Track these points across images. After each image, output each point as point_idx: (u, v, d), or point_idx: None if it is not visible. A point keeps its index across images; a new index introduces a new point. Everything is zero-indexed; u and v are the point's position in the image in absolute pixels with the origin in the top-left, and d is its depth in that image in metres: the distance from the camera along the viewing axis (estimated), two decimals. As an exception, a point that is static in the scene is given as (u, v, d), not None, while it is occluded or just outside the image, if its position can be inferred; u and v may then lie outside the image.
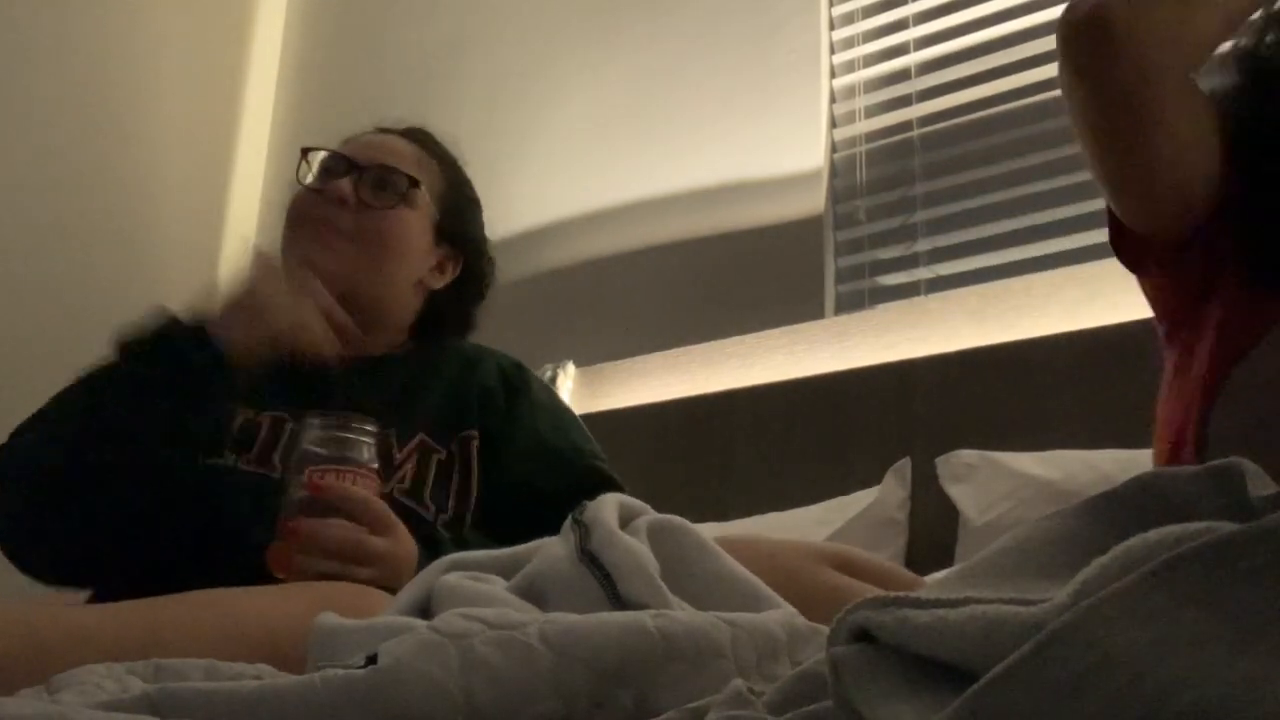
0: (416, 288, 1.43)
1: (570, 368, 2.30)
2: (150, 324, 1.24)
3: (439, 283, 1.45)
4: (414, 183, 1.40)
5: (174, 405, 1.19)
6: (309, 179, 1.41)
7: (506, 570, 0.73)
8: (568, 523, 0.71)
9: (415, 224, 1.40)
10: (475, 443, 1.32)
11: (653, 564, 0.66)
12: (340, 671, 0.49)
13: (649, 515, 0.71)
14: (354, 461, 1.14)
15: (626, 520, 0.70)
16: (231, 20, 3.14)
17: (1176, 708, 0.29)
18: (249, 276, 1.25)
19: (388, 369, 1.38)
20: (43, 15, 2.65)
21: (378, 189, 1.38)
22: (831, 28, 2.38)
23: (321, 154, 1.43)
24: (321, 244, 1.34)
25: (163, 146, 2.88)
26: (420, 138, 1.49)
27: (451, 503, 1.29)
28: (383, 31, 3.08)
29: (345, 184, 1.36)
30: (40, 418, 1.23)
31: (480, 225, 1.52)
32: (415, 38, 3.00)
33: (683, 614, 0.59)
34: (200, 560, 1.15)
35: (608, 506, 0.70)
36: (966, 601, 0.34)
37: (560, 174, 2.62)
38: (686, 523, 0.72)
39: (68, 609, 0.89)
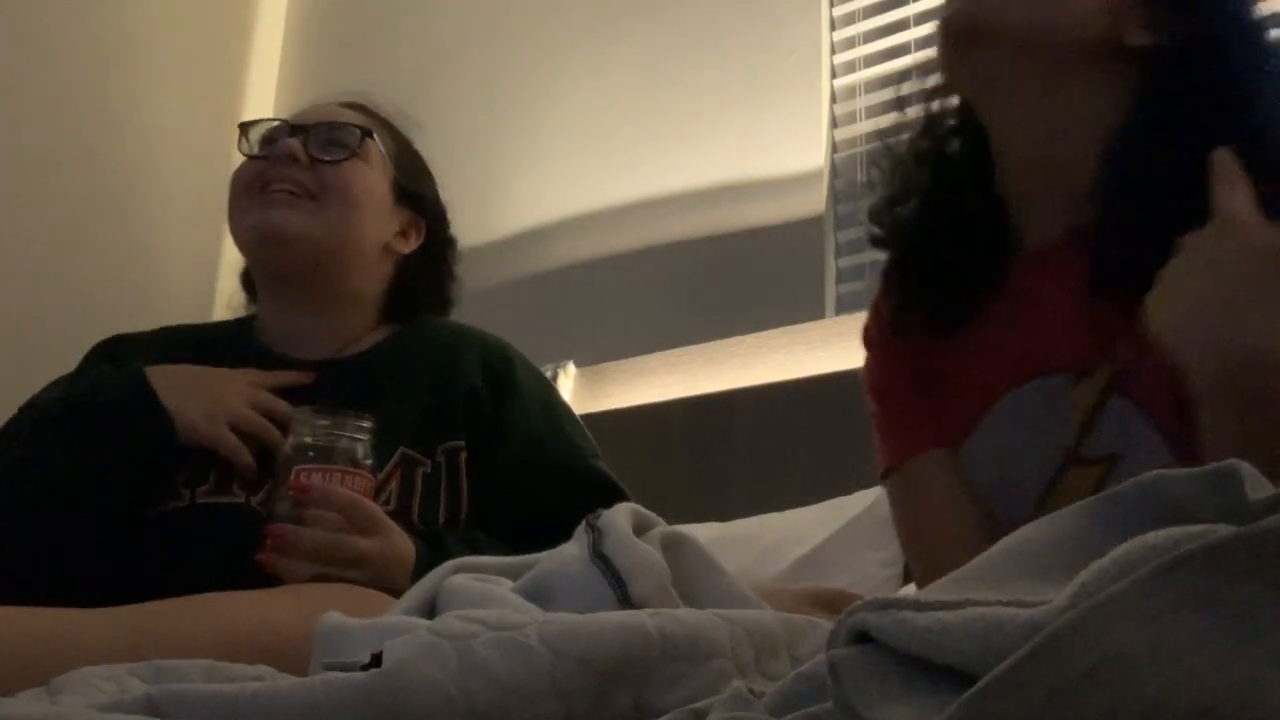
0: (384, 254, 1.36)
1: (570, 368, 2.30)
2: (96, 392, 1.19)
3: (405, 248, 1.38)
4: (366, 133, 1.33)
5: (119, 480, 1.15)
6: (252, 150, 1.35)
7: (514, 574, 0.73)
8: (581, 526, 0.71)
9: (372, 177, 1.33)
10: (463, 454, 1.25)
11: (664, 570, 0.66)
12: (340, 674, 0.49)
13: (662, 527, 0.71)
14: (343, 460, 1.11)
15: (640, 530, 0.71)
16: (232, 19, 3.14)
17: (1176, 709, 0.29)
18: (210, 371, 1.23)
19: (360, 370, 1.31)
20: (42, 16, 2.65)
21: (328, 144, 1.31)
22: (832, 28, 2.38)
23: (262, 125, 1.37)
24: (278, 204, 1.28)
25: (163, 148, 2.88)
26: (361, 105, 1.42)
27: (441, 517, 1.23)
28: (383, 31, 3.08)
29: (294, 142, 1.30)
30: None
31: (436, 191, 1.45)
32: (416, 38, 3.00)
33: (682, 612, 0.59)
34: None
35: (622, 514, 0.71)
36: (965, 603, 0.34)
37: (560, 174, 2.62)
38: (697, 539, 0.72)
39: (66, 611, 0.89)
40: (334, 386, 1.26)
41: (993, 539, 0.41)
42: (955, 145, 1.06)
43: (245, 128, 1.38)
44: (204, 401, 1.17)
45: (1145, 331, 0.80)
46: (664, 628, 0.55)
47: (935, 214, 1.03)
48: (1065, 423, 0.92)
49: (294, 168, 1.29)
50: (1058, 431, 0.92)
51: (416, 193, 1.40)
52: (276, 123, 1.36)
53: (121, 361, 1.31)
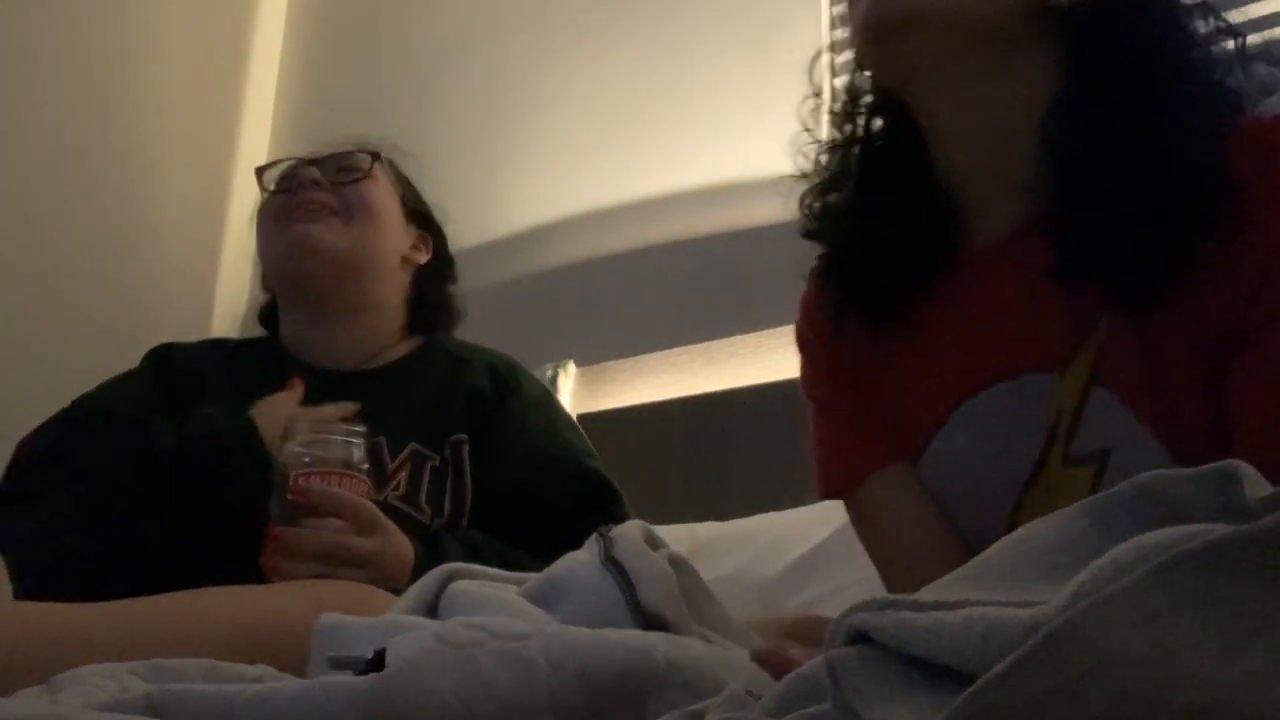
0: (402, 265, 1.48)
1: (571, 367, 2.30)
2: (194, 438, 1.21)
3: (421, 258, 1.50)
4: (374, 156, 1.47)
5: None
6: (271, 187, 1.47)
7: (516, 581, 0.73)
8: (593, 536, 0.72)
9: (386, 194, 1.47)
10: (466, 447, 1.33)
11: (672, 577, 0.67)
12: (340, 678, 0.49)
13: (669, 549, 0.72)
14: (341, 463, 1.13)
15: (650, 547, 0.72)
16: (232, 20, 3.13)
17: (1174, 708, 0.29)
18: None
19: (376, 380, 1.40)
20: (43, 18, 2.65)
21: (342, 169, 1.44)
22: (832, 28, 2.37)
23: (279, 166, 1.50)
24: (315, 221, 1.39)
25: (162, 150, 2.88)
26: (359, 143, 1.54)
27: (447, 506, 1.29)
28: (383, 31, 3.08)
29: (313, 171, 1.42)
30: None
31: (433, 213, 1.58)
32: (415, 38, 3.00)
33: (692, 643, 0.59)
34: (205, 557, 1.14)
35: (633, 527, 0.72)
36: (964, 603, 0.34)
37: (560, 174, 2.62)
38: (696, 570, 0.73)
39: (69, 607, 0.89)
40: (361, 395, 1.33)
41: (962, 553, 0.41)
42: (880, 126, 1.00)
43: (261, 171, 1.50)
44: None
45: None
46: (670, 656, 0.55)
47: (870, 203, 0.97)
48: (1040, 423, 0.87)
49: (317, 192, 1.41)
50: (1032, 433, 0.87)
51: (423, 210, 1.53)
52: (291, 161, 1.48)
53: (176, 367, 1.40)
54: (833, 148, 1.02)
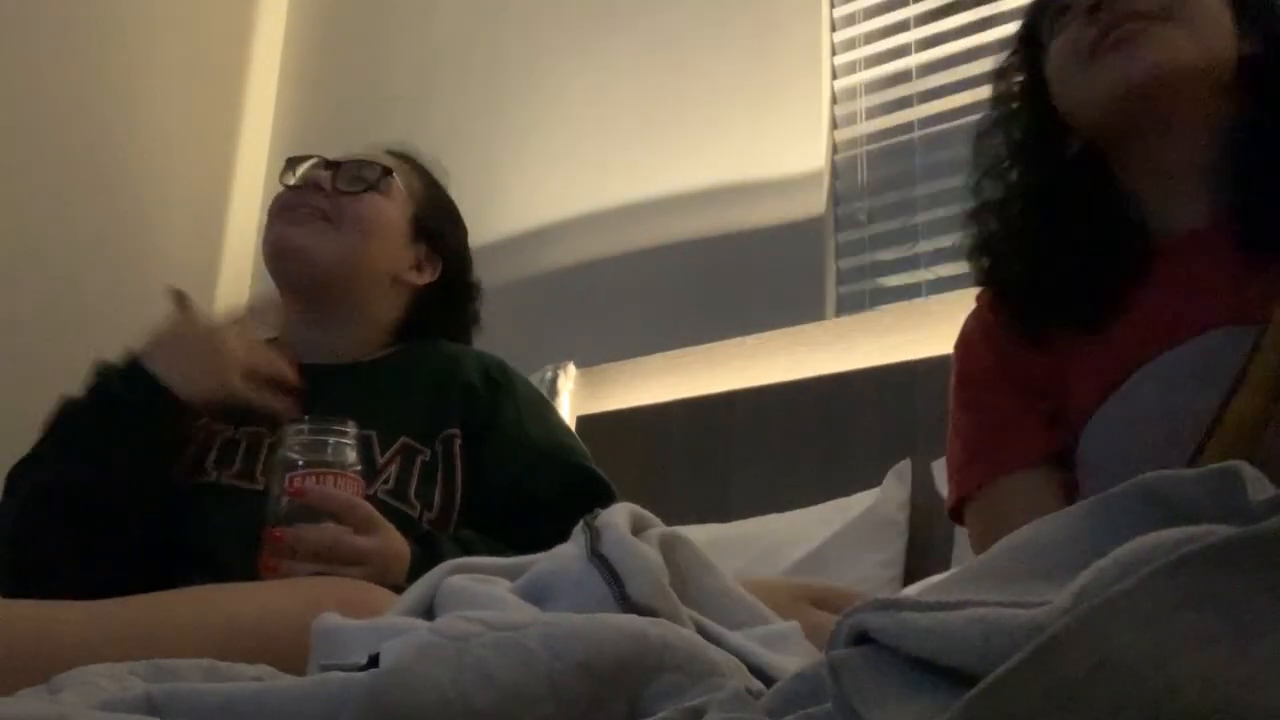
0: (395, 285, 1.45)
1: (570, 368, 2.29)
2: (95, 384, 1.28)
3: (418, 280, 1.47)
4: (386, 171, 1.44)
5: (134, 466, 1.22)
6: (288, 181, 1.47)
7: (512, 575, 0.73)
8: (579, 526, 0.71)
9: (390, 210, 1.44)
10: (458, 441, 1.33)
11: (662, 569, 0.66)
12: (340, 674, 0.49)
13: (660, 527, 0.71)
14: (335, 464, 1.14)
15: (638, 530, 0.71)
16: (232, 21, 3.14)
17: (1177, 710, 0.29)
18: (188, 320, 1.32)
19: (368, 373, 1.40)
20: (42, 18, 2.65)
21: (353, 179, 1.43)
22: (833, 29, 2.38)
23: (305, 161, 1.48)
24: (298, 224, 1.39)
25: (163, 149, 2.88)
26: (401, 153, 1.53)
27: (437, 500, 1.29)
28: (383, 31, 3.08)
29: (323, 174, 1.42)
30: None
31: (462, 238, 1.55)
32: (416, 38, 3.00)
33: (683, 630, 0.59)
34: (184, 576, 1.15)
35: (620, 513, 0.71)
36: (966, 604, 0.34)
37: (560, 174, 2.62)
38: (692, 540, 0.73)
39: (68, 605, 0.89)
40: (354, 388, 1.35)
41: None
42: (1054, 153, 1.11)
43: (291, 162, 1.49)
44: (205, 366, 1.26)
45: None
46: (665, 637, 0.54)
47: (1061, 220, 1.08)
48: (1226, 373, 0.93)
49: (318, 196, 1.41)
50: (1217, 384, 0.94)
51: (435, 230, 1.49)
52: (315, 159, 1.47)
53: None
54: (1003, 200, 1.13)
